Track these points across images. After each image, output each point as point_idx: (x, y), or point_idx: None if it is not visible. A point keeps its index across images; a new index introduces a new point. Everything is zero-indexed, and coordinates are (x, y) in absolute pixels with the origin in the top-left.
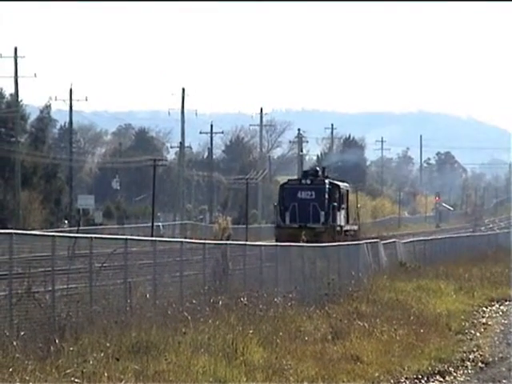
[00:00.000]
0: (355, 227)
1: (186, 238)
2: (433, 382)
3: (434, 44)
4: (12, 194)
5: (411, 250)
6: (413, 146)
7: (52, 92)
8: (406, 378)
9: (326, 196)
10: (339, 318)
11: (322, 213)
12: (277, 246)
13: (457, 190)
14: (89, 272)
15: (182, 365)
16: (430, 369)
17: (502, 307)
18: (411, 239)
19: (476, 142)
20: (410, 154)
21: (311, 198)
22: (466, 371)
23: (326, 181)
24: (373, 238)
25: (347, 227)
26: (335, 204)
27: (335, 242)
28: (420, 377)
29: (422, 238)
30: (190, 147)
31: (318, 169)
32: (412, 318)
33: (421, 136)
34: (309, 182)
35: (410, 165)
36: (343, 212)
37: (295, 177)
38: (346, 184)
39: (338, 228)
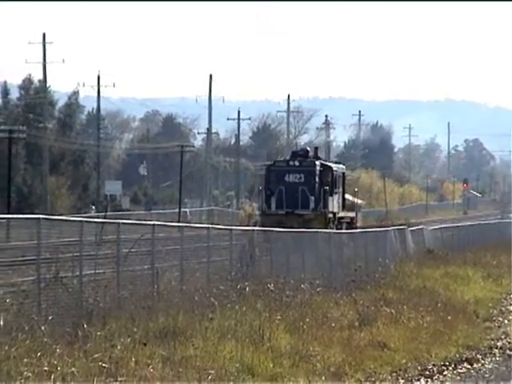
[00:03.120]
0: (351, 214)
1: (212, 223)
2: (460, 369)
3: (462, 31)
4: (40, 179)
5: (439, 236)
6: (440, 133)
7: (80, 78)
8: (434, 365)
9: (317, 179)
10: (366, 304)
11: (312, 198)
12: (304, 232)
13: (485, 177)
14: (116, 257)
15: (209, 350)
16: (457, 356)
17: None
18: (439, 226)
19: (504, 129)
20: (438, 141)
21: (300, 181)
22: (493, 358)
23: (317, 162)
24: (400, 225)
25: (342, 214)
26: (327, 188)
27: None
28: (447, 364)
29: (449, 225)
30: (217, 133)
31: (308, 149)
32: (439, 304)
33: (448, 123)
34: (297, 163)
35: (438, 152)
36: (336, 197)
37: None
38: (341, 166)
39: (331, 215)
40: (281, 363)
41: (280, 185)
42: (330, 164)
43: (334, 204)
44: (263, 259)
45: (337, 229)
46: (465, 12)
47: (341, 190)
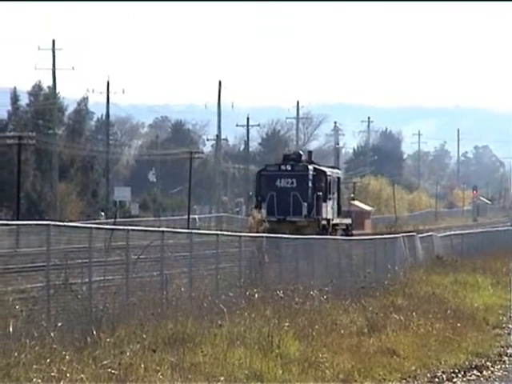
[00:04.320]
0: (347, 221)
1: (221, 230)
2: (470, 376)
3: (472, 38)
4: (49, 185)
5: (448, 243)
6: (450, 140)
7: (89, 84)
8: (443, 372)
9: (310, 184)
10: (375, 311)
11: (305, 204)
12: (313, 239)
13: (494, 183)
14: (125, 264)
15: (218, 357)
16: (467, 363)
17: None
18: (448, 233)
19: None
20: (447, 147)
21: (292, 186)
22: (503, 366)
23: (310, 166)
24: (409, 232)
25: (336, 221)
26: (320, 194)
27: None
28: (457, 371)
29: (459, 232)
30: (227, 140)
31: (301, 152)
32: (449, 311)
33: (458, 130)
34: (289, 167)
35: (447, 158)
36: (331, 203)
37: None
38: (335, 170)
39: (324, 222)
40: (290, 370)
41: (271, 190)
42: (323, 168)
43: (328, 210)
44: (272, 266)
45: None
46: (474, 18)
47: (336, 195)
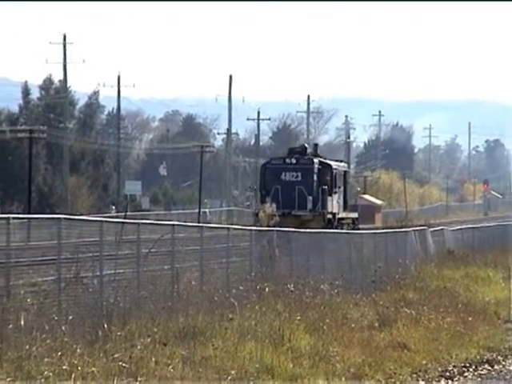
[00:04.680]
0: (353, 215)
1: (232, 224)
2: (481, 370)
3: (484, 32)
4: (60, 179)
5: (459, 237)
6: (461, 134)
7: (100, 78)
8: (454, 366)
9: (315, 178)
10: (386, 305)
11: (310, 198)
12: (323, 232)
13: (506, 177)
14: (136, 257)
15: (229, 351)
16: (478, 357)
17: None
18: (459, 227)
19: None
20: (458, 141)
21: (297, 180)
22: None
23: (315, 160)
24: (420, 226)
25: (342, 215)
26: (325, 187)
27: None
28: (468, 365)
29: (470, 226)
30: (237, 134)
31: (306, 145)
32: (460, 305)
33: (469, 123)
34: (294, 161)
35: (458, 152)
36: (336, 197)
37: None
38: (342, 164)
39: (330, 216)
40: (300, 364)
41: (276, 184)
42: (329, 162)
43: (333, 204)
44: (283, 260)
45: None
46: (487, 11)
47: (342, 189)
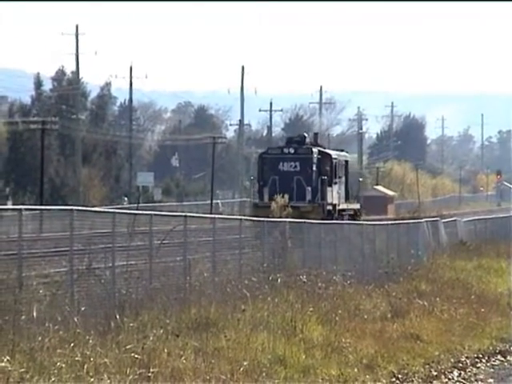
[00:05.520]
0: (355, 206)
1: (244, 215)
2: (494, 361)
3: (496, 24)
4: (72, 170)
5: (472, 228)
6: (474, 125)
7: (112, 70)
8: (467, 357)
9: (314, 168)
10: (399, 296)
11: (309, 188)
12: (336, 223)
13: None
14: (148, 249)
15: (241, 342)
16: (490, 348)
17: None
18: (472, 218)
19: None
20: (471, 132)
21: (295, 170)
22: None
23: (314, 149)
24: (433, 217)
25: (343, 206)
26: (325, 178)
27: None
28: (481, 356)
29: (482, 217)
30: (250, 125)
31: (305, 134)
32: (473, 297)
33: (482, 114)
34: (292, 150)
35: (471, 143)
36: (337, 187)
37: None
38: (342, 153)
39: (330, 207)
40: (313, 355)
41: (274, 174)
42: (328, 151)
43: (333, 195)
44: (295, 251)
45: None
46: (499, 4)
47: (343, 179)
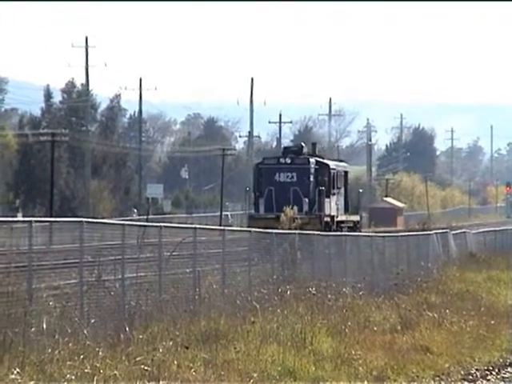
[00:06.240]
0: (354, 218)
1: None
2: (504, 374)
3: (505, 35)
4: (82, 182)
5: (481, 240)
6: (483, 136)
7: (122, 82)
8: (477, 370)
9: (311, 178)
10: (408, 308)
11: (306, 200)
12: (345, 235)
13: None
14: (158, 261)
15: (251, 353)
16: (501, 360)
17: None
18: (482, 230)
19: None
20: (481, 144)
21: (292, 180)
22: None
23: (312, 159)
24: (442, 229)
25: (342, 218)
26: (323, 188)
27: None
28: (491, 368)
29: (492, 229)
30: (259, 136)
31: (302, 144)
32: (482, 309)
33: (491, 126)
34: (289, 160)
35: (481, 155)
36: (335, 198)
37: (364, 166)
38: (341, 164)
39: (328, 218)
40: (323, 367)
41: (270, 185)
42: (326, 161)
43: (331, 206)
44: (305, 262)
45: None
46: (509, 14)
47: (342, 190)
